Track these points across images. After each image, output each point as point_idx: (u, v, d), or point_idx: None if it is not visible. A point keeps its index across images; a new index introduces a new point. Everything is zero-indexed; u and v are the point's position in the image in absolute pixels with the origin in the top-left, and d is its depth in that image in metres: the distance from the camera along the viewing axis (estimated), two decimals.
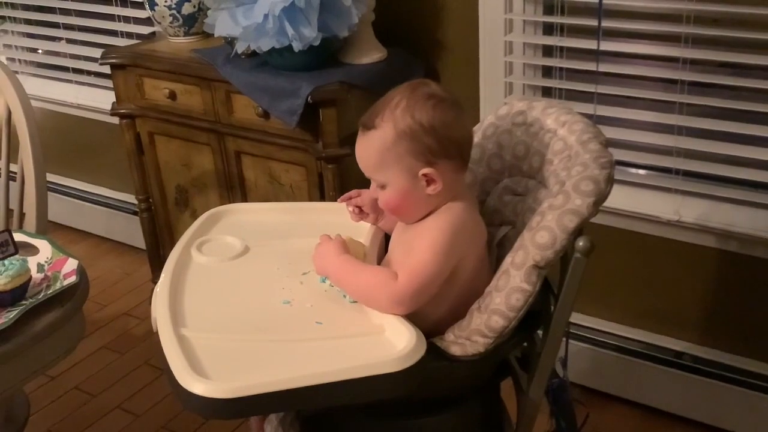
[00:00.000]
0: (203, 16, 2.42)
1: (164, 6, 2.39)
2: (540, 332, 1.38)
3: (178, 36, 2.46)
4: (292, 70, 2.12)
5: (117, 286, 3.07)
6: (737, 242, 2.04)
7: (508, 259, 1.28)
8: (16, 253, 1.35)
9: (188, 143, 2.42)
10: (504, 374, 1.48)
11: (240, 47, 2.13)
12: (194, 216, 2.53)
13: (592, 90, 2.09)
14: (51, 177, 2.99)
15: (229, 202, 2.39)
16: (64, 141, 3.32)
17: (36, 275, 1.41)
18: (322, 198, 2.18)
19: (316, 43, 2.05)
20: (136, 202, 3.17)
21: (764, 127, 1.92)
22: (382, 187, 1.33)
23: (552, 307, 1.35)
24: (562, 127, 1.38)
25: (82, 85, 3.19)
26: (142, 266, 2.99)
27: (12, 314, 1.31)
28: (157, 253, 2.70)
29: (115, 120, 2.97)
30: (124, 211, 3.22)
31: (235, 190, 2.38)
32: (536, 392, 1.35)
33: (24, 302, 1.35)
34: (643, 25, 2.01)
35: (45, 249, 1.49)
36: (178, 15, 2.40)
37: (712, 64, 1.99)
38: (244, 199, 2.36)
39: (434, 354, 1.26)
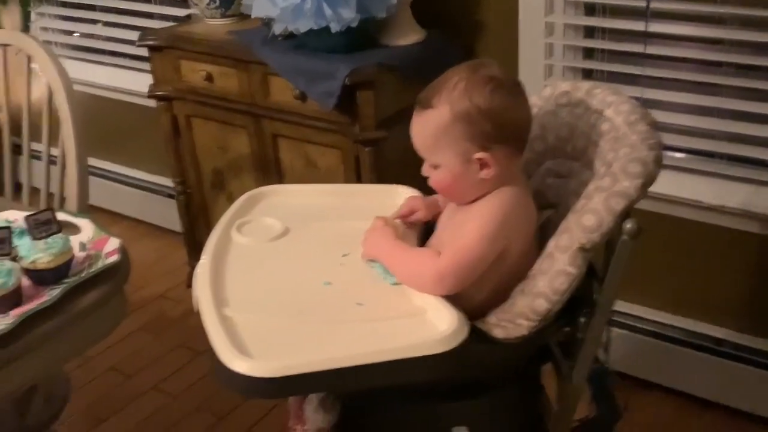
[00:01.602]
0: None
1: None
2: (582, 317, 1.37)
3: (214, 18, 2.46)
4: (329, 52, 2.11)
5: (152, 269, 3.09)
6: None
7: (552, 243, 1.26)
8: (59, 231, 1.36)
9: (225, 126, 2.42)
10: (544, 359, 1.46)
11: (277, 28, 2.13)
12: (230, 199, 2.53)
13: (637, 72, 2.05)
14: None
15: (265, 185, 2.39)
16: (100, 124, 3.33)
17: (78, 254, 1.41)
18: (359, 181, 2.17)
19: (354, 25, 2.04)
20: (171, 184, 3.20)
21: None
22: (435, 167, 1.32)
23: (595, 292, 1.33)
24: (608, 108, 1.36)
25: (118, 67, 3.20)
26: (177, 249, 3.00)
27: (55, 292, 1.31)
28: (192, 236, 2.71)
29: (150, 103, 2.98)
30: (159, 194, 3.23)
31: (271, 173, 2.38)
32: (579, 378, 1.33)
33: (67, 280, 1.36)
34: (688, 5, 1.97)
35: (87, 228, 1.49)
36: None
37: (756, 46, 1.95)
38: (280, 181, 2.36)
39: (476, 336, 1.25)
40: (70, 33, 3.42)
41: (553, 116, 1.44)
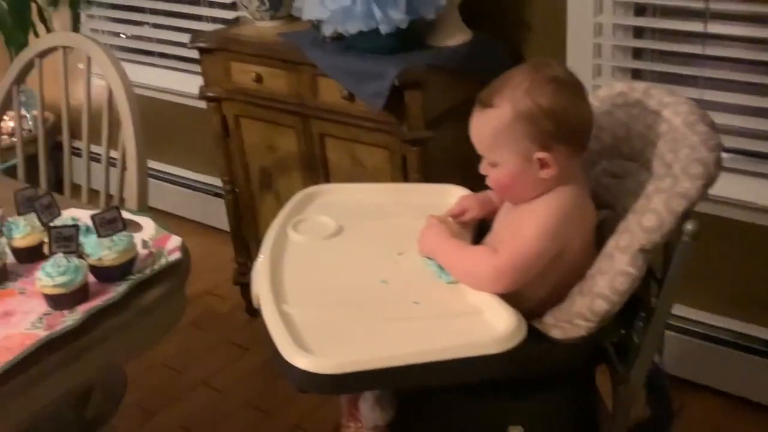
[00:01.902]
0: (289, 0, 2.43)
1: None
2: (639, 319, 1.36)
3: (264, 20, 2.47)
4: (378, 53, 2.12)
5: (198, 265, 3.07)
6: None
7: (611, 243, 1.26)
8: (124, 229, 1.38)
9: (273, 126, 2.44)
10: (598, 360, 1.46)
11: (327, 30, 2.14)
12: (277, 198, 2.56)
13: (690, 73, 2.03)
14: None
15: (312, 185, 2.40)
16: (147, 123, 3.37)
17: (141, 251, 1.44)
18: (405, 180, 2.18)
19: (404, 26, 2.04)
20: (216, 183, 3.24)
21: None
22: (493, 165, 1.33)
23: (652, 294, 1.33)
24: (666, 109, 1.35)
25: (165, 68, 3.24)
26: (222, 246, 3.03)
27: (121, 288, 1.34)
28: (239, 234, 2.73)
29: (196, 103, 3.02)
30: (205, 192, 3.27)
31: (318, 172, 2.39)
32: (637, 380, 1.33)
33: (131, 277, 1.38)
34: (746, 6, 1.95)
35: (148, 226, 1.52)
36: None
37: None
38: (327, 180, 2.37)
39: (534, 336, 1.25)
40: (117, 34, 3.48)
41: (609, 116, 1.44)
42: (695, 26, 2.00)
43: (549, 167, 1.28)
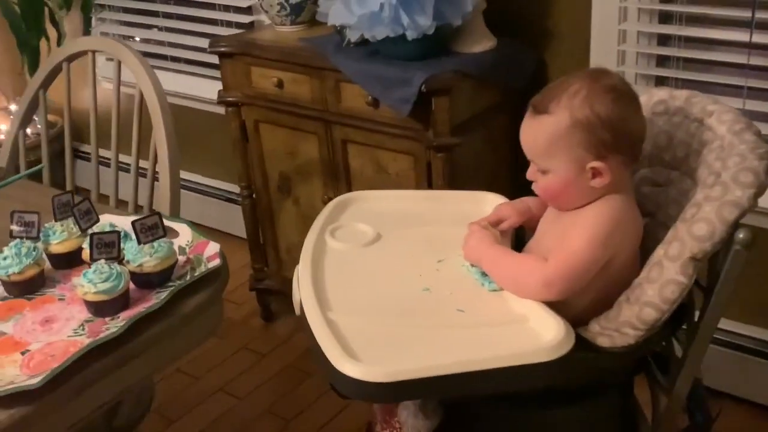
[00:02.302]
0: (310, 5, 2.43)
1: None
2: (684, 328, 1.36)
3: (284, 25, 2.47)
4: (404, 59, 2.11)
5: None
6: None
7: (660, 251, 1.25)
8: (164, 235, 1.37)
9: (294, 131, 2.43)
10: (637, 369, 1.45)
11: (353, 36, 2.13)
12: (297, 204, 2.55)
13: (713, 80, 2.03)
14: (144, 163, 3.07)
15: (334, 191, 2.40)
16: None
17: (179, 257, 1.43)
18: (430, 187, 2.17)
19: (430, 32, 2.04)
20: (230, 189, 3.24)
21: None
22: (544, 172, 1.32)
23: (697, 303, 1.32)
24: (709, 117, 1.35)
25: (178, 73, 3.23)
26: (237, 252, 3.01)
27: (163, 295, 1.32)
28: (256, 240, 2.72)
29: (212, 108, 3.03)
30: (219, 198, 3.26)
31: (340, 178, 2.39)
32: (682, 389, 1.32)
33: (171, 284, 1.37)
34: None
35: (185, 232, 1.51)
36: (286, 4, 2.40)
37: None
38: (349, 187, 2.36)
39: (581, 344, 1.24)
40: (128, 38, 3.46)
41: (650, 124, 1.43)
42: (715, 33, 2.00)
43: (602, 176, 1.28)
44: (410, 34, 2.03)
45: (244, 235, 2.79)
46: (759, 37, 1.95)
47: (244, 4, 2.88)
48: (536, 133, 1.31)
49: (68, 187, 1.96)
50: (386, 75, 2.10)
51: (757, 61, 1.98)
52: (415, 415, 1.37)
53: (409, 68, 2.07)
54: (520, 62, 2.25)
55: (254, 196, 2.65)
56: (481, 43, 2.19)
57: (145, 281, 1.36)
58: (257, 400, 2.47)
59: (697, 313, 1.33)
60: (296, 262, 2.58)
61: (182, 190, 3.35)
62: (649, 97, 1.46)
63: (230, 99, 2.51)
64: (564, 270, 1.25)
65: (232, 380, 2.55)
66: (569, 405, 1.35)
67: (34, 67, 3.08)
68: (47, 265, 1.44)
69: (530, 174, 1.35)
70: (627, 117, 1.28)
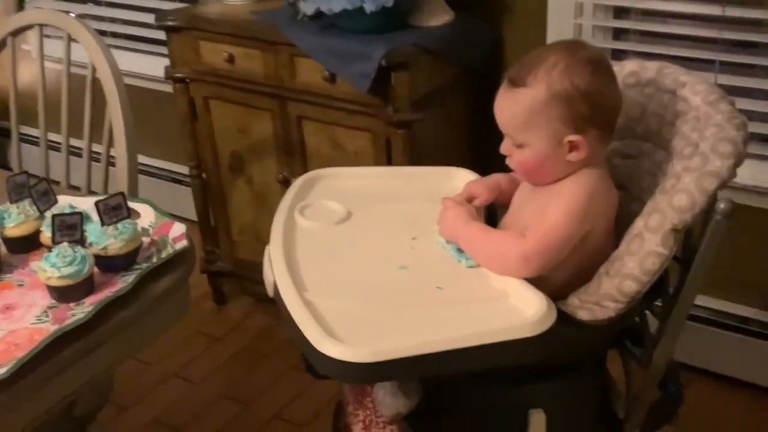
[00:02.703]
0: None
1: None
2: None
3: None
4: (362, 33, 2.08)
5: None
6: None
7: (639, 223, 1.25)
8: (129, 216, 1.32)
9: (246, 108, 2.38)
10: (612, 344, 1.46)
11: (308, 9, 2.09)
12: (249, 183, 2.50)
13: (675, 53, 2.04)
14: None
15: (289, 169, 2.36)
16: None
17: (143, 240, 1.38)
18: (389, 164, 2.15)
19: (390, 4, 2.01)
20: (176, 169, 3.16)
21: None
22: (519, 146, 1.30)
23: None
24: (682, 88, 1.35)
25: (120, 49, 3.11)
26: None
27: (130, 278, 1.28)
28: (207, 221, 2.66)
29: (156, 85, 2.94)
30: (164, 179, 3.18)
31: (296, 156, 2.34)
32: (661, 360, 1.33)
33: (137, 267, 1.32)
34: None
35: (147, 213, 1.45)
36: None
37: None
38: (305, 166, 2.32)
39: (561, 319, 1.24)
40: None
41: (622, 96, 1.43)
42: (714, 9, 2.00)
43: (578, 150, 1.27)
44: (369, 7, 2.00)
45: (193, 216, 2.72)
46: (731, 11, 1.97)
47: None
48: (513, 106, 1.29)
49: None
50: (344, 49, 2.07)
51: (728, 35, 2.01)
52: (393, 394, 1.34)
53: (367, 42, 2.04)
54: (477, 37, 2.24)
55: (204, 176, 2.59)
56: (439, 17, 2.17)
57: (110, 264, 1.31)
58: (213, 384, 2.42)
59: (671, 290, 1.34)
60: (250, 242, 2.58)
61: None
62: (621, 69, 1.45)
63: (178, 75, 2.43)
64: (542, 245, 1.24)
65: (186, 365, 2.50)
66: (547, 380, 1.35)
67: None
68: (3, 249, 1.38)
69: (504, 149, 1.33)
70: (605, 89, 1.28)
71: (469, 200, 1.45)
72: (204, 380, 2.44)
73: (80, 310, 1.22)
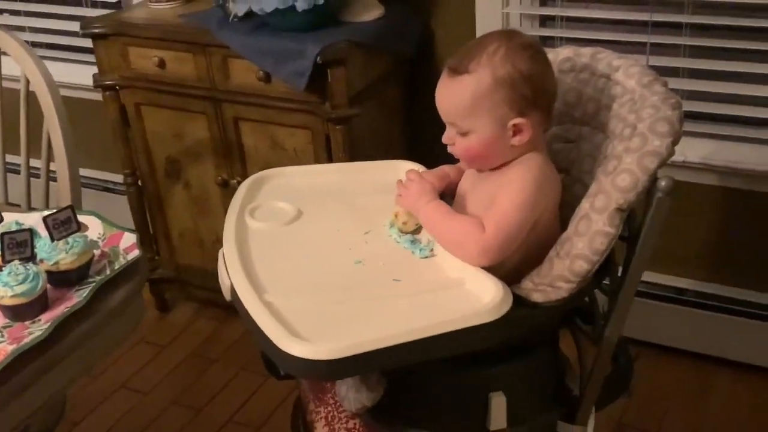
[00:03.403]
0: None
1: None
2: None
3: (159, 2, 2.38)
4: (294, 31, 2.08)
5: None
6: (740, 179, 2.11)
7: (585, 205, 1.29)
8: (78, 230, 1.30)
9: (180, 113, 2.35)
10: (563, 322, 1.50)
11: (239, 9, 2.08)
12: (187, 187, 2.47)
13: (604, 38, 2.10)
14: (11, 158, 2.89)
15: (227, 171, 2.35)
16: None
17: (94, 252, 1.36)
18: (330, 161, 2.15)
19: (321, 2, 2.01)
20: (107, 178, 3.10)
21: (764, 65, 1.99)
22: (464, 134, 1.32)
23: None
24: (616, 72, 1.39)
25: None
26: None
27: (84, 292, 1.26)
28: (145, 228, 2.62)
29: (82, 94, 2.88)
30: (95, 189, 3.11)
31: (234, 158, 2.33)
32: (613, 336, 1.37)
33: (90, 280, 1.30)
34: None
35: (94, 225, 1.43)
36: None
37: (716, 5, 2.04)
38: (244, 167, 2.32)
39: (517, 302, 1.27)
40: None
41: (558, 82, 1.46)
42: None
43: (522, 134, 1.30)
44: (300, 5, 2.00)
45: (129, 224, 2.67)
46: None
47: None
48: (457, 94, 1.31)
49: None
50: (278, 48, 2.06)
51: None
52: (357, 389, 1.36)
53: (301, 40, 2.04)
54: (408, 29, 2.27)
55: (140, 182, 2.56)
56: (370, 12, 2.18)
57: (63, 279, 1.29)
58: (162, 393, 2.40)
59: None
60: (191, 247, 2.56)
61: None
62: (556, 55, 1.49)
63: (107, 82, 2.40)
64: (500, 237, 1.26)
65: (133, 375, 2.47)
66: (505, 362, 1.38)
67: None
68: None
69: (447, 138, 1.35)
70: (544, 73, 1.31)
71: None
72: (153, 389, 2.41)
73: (37, 328, 1.20)
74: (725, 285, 2.25)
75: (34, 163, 1.74)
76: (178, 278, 2.66)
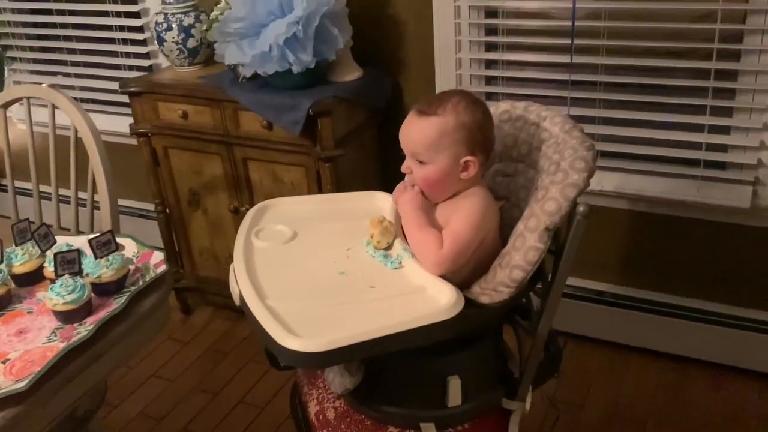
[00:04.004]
0: (204, 48, 2.36)
1: (172, 42, 2.32)
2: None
3: (183, 66, 2.39)
4: (291, 89, 2.10)
5: None
6: (645, 204, 2.14)
7: (521, 225, 1.30)
8: (117, 249, 1.30)
9: (199, 154, 2.36)
10: (505, 319, 1.51)
11: (247, 72, 2.09)
12: (205, 214, 2.47)
13: (523, 92, 2.14)
14: (63, 191, 2.87)
15: (238, 201, 2.35)
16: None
17: (129, 267, 1.36)
18: (320, 191, 2.17)
19: (312, 66, 2.03)
20: (142, 207, 3.09)
21: (665, 114, 2.03)
22: (423, 163, 1.33)
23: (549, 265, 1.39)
24: (544, 121, 1.42)
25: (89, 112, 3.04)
26: None
27: (122, 300, 1.26)
28: (172, 247, 2.62)
29: (121, 140, 2.88)
30: (132, 215, 3.10)
31: (243, 189, 2.34)
32: (544, 329, 1.38)
33: (126, 290, 1.30)
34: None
35: (130, 245, 1.43)
36: (184, 48, 2.33)
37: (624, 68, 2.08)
38: (251, 197, 2.32)
39: (468, 304, 1.28)
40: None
41: (498, 129, 1.49)
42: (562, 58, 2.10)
43: (469, 170, 1.32)
44: (295, 69, 2.02)
45: (159, 244, 2.67)
46: (577, 59, 2.07)
47: (143, 51, 2.76)
48: (425, 130, 1.32)
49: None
50: (278, 103, 2.08)
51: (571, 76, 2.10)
52: (341, 375, 1.36)
53: (296, 96, 2.06)
54: (381, 87, 2.29)
55: (167, 210, 2.55)
56: (351, 73, 2.21)
57: (104, 289, 1.29)
58: (186, 380, 2.38)
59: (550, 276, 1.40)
60: (208, 262, 2.55)
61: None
62: (496, 108, 1.51)
63: (141, 131, 2.40)
64: (452, 252, 1.28)
65: (162, 366, 2.45)
66: (459, 352, 1.39)
67: None
68: (12, 284, 1.34)
69: (406, 167, 1.36)
70: (490, 124, 1.35)
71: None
72: (178, 377, 2.40)
73: (83, 329, 1.20)
74: (634, 288, 2.27)
75: (81, 195, 1.73)
76: (198, 287, 2.65)
